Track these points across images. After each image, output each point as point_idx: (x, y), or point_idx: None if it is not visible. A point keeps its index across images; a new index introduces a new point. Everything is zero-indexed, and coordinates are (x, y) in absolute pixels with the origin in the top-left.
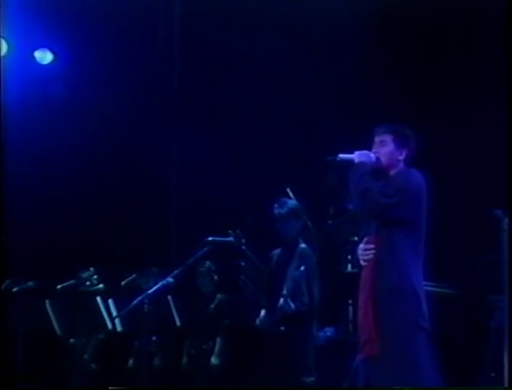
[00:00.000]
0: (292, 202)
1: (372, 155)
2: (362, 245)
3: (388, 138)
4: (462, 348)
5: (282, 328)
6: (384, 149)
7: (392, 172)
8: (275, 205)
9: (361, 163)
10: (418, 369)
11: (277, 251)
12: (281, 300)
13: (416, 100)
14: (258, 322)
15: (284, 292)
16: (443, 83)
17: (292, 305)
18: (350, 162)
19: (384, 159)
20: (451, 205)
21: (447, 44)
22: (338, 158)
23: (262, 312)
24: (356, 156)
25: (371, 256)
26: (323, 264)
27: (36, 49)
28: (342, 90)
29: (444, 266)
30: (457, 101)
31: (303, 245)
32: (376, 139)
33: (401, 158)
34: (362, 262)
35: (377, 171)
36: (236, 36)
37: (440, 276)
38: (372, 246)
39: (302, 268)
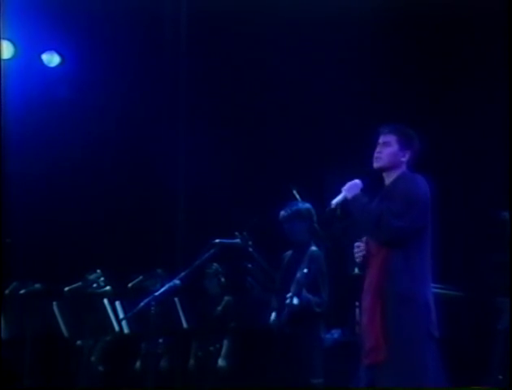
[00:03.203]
0: (301, 205)
1: (358, 182)
2: (356, 244)
3: (392, 139)
4: (469, 350)
5: (290, 330)
6: (387, 150)
7: (394, 175)
8: (284, 208)
9: (354, 198)
10: (426, 376)
11: (288, 253)
12: (287, 300)
13: (418, 102)
14: (269, 323)
15: (290, 293)
16: (444, 86)
17: (296, 301)
18: (345, 200)
19: (387, 160)
20: (457, 207)
21: (449, 46)
22: (333, 205)
23: (273, 314)
24: (346, 193)
25: (361, 254)
26: (330, 266)
27: (44, 51)
28: (348, 91)
29: (450, 267)
30: (458, 104)
31: (314, 248)
32: (380, 139)
33: (404, 159)
34: (356, 260)
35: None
36: (243, 37)
37: (447, 278)
38: (361, 244)
39: (305, 270)
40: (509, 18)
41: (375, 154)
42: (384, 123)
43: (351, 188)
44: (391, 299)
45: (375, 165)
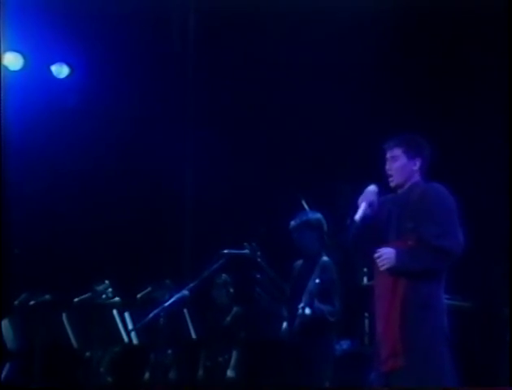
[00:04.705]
0: (311, 214)
1: (373, 187)
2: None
3: (398, 152)
4: (478, 361)
5: (301, 340)
6: (396, 165)
7: (407, 184)
8: (294, 218)
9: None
10: (443, 381)
11: (299, 263)
12: (299, 310)
13: (425, 106)
14: (279, 333)
15: (302, 304)
16: (445, 88)
17: (308, 311)
18: (366, 209)
19: (398, 175)
20: (465, 215)
21: (451, 49)
22: (358, 220)
23: (284, 324)
24: (365, 202)
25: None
26: (340, 277)
27: (53, 63)
28: (359, 99)
29: (458, 278)
30: (460, 107)
31: (325, 258)
32: (388, 155)
33: (416, 168)
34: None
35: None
36: (252, 42)
37: (455, 289)
38: (379, 253)
39: (317, 281)
40: (509, 18)
41: (387, 172)
42: (388, 138)
43: (367, 195)
44: (410, 305)
45: (391, 185)
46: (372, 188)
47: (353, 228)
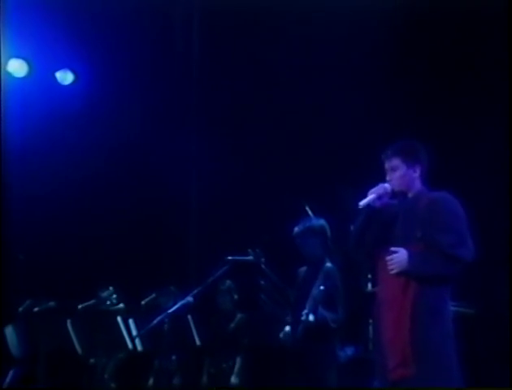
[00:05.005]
0: (315, 221)
1: (386, 185)
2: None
3: (397, 161)
4: (482, 368)
5: (305, 346)
6: (396, 175)
7: (411, 192)
8: (298, 225)
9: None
10: (451, 385)
11: (303, 269)
12: (303, 316)
13: (428, 108)
14: (282, 339)
15: (306, 310)
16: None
17: (311, 317)
18: (372, 202)
19: (399, 184)
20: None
21: (451, 50)
22: (360, 206)
23: (287, 328)
24: (373, 195)
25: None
26: (343, 283)
27: (58, 69)
28: (363, 101)
29: (462, 284)
30: (461, 110)
31: (329, 264)
32: (386, 165)
33: (416, 174)
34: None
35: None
36: (256, 40)
37: (459, 295)
38: (391, 256)
39: (322, 288)
40: (509, 18)
41: (388, 182)
42: (386, 146)
43: (379, 188)
44: (420, 309)
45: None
46: (387, 184)
47: (357, 218)
